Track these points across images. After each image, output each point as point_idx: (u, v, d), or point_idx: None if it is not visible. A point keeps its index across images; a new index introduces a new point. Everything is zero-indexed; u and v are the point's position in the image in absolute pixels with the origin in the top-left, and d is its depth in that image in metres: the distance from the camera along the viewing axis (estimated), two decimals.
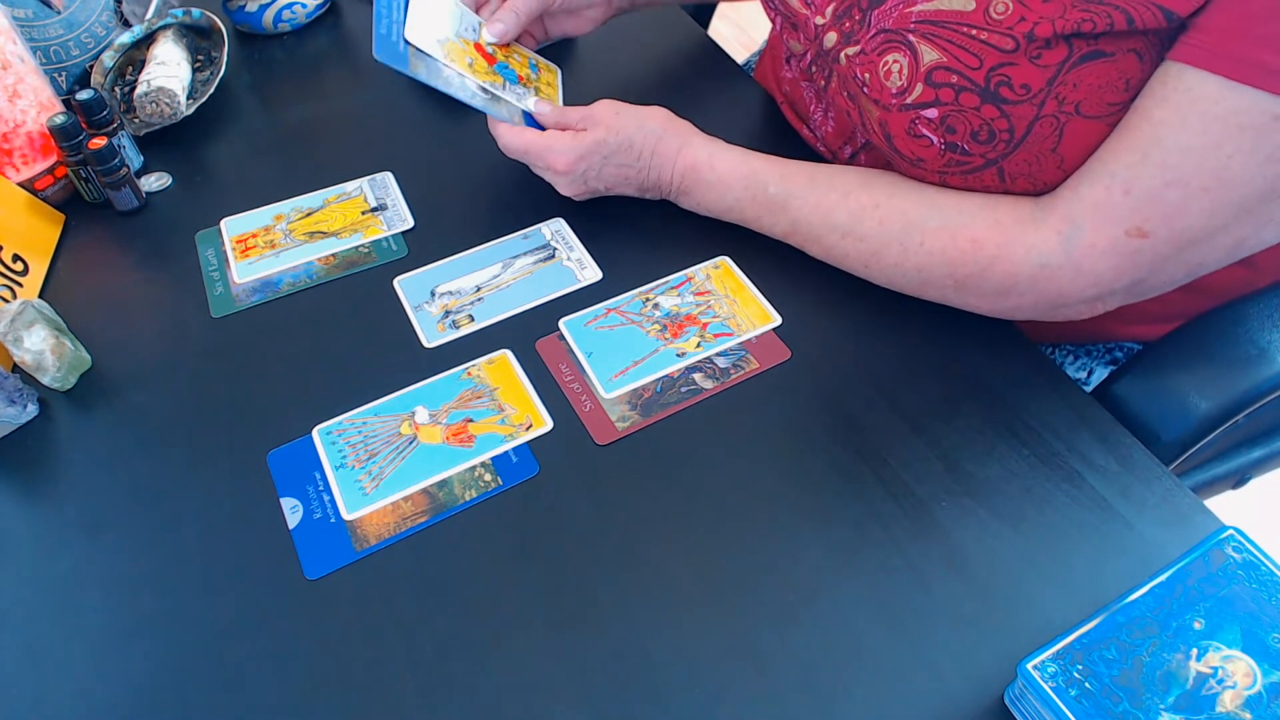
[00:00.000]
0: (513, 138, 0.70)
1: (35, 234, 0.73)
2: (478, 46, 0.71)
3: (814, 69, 0.70)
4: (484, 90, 0.68)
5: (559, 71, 0.76)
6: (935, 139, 0.59)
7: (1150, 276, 0.56)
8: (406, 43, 0.69)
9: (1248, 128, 0.49)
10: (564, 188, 0.71)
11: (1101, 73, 0.53)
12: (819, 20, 0.66)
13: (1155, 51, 0.52)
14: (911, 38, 0.57)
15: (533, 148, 0.69)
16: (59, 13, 0.82)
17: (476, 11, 0.75)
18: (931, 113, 0.58)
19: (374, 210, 0.76)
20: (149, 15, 0.88)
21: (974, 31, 0.55)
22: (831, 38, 0.64)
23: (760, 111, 0.83)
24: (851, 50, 0.62)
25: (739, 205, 0.68)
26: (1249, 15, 0.48)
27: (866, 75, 0.60)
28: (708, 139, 0.69)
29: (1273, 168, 0.50)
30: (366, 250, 0.73)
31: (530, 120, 0.76)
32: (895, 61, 0.58)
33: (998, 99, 0.55)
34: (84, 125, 0.74)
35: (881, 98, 0.60)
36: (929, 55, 0.57)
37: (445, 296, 0.69)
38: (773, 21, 0.73)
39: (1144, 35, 0.52)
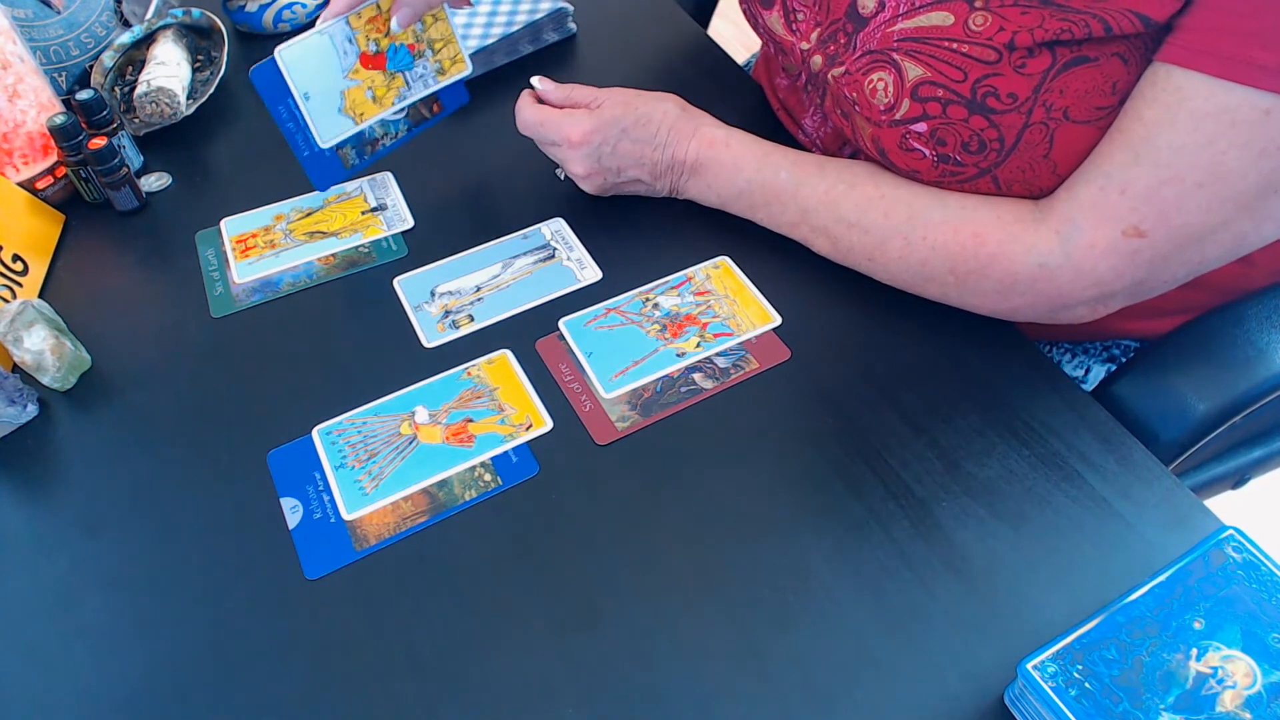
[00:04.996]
0: (530, 112, 0.70)
1: (35, 234, 0.73)
2: (363, 61, 0.66)
3: (809, 87, 0.70)
4: (399, 112, 0.68)
5: (444, 6, 0.69)
6: (927, 152, 0.59)
7: (1150, 277, 0.56)
8: (329, 150, 0.69)
9: (1239, 123, 0.49)
10: (576, 164, 0.70)
11: (1087, 78, 0.54)
12: (804, 45, 0.66)
13: (1140, 54, 0.53)
14: (896, 56, 0.58)
15: (549, 119, 0.69)
16: (59, 13, 0.82)
17: None
18: (921, 127, 0.58)
19: (374, 210, 0.76)
20: (149, 15, 0.88)
21: (955, 45, 0.55)
22: (817, 61, 0.65)
23: (760, 112, 0.83)
24: (837, 71, 0.63)
25: (749, 189, 0.68)
26: (1233, 12, 0.48)
27: (854, 94, 0.61)
28: (722, 124, 0.70)
29: (1268, 162, 0.50)
30: (366, 250, 0.73)
31: (458, 90, 0.75)
32: (880, 80, 0.59)
33: (985, 109, 0.56)
34: (84, 125, 0.74)
35: (872, 115, 0.61)
36: (913, 71, 0.57)
37: (445, 296, 0.69)
38: (764, 44, 0.73)
39: (1125, 40, 0.52)
